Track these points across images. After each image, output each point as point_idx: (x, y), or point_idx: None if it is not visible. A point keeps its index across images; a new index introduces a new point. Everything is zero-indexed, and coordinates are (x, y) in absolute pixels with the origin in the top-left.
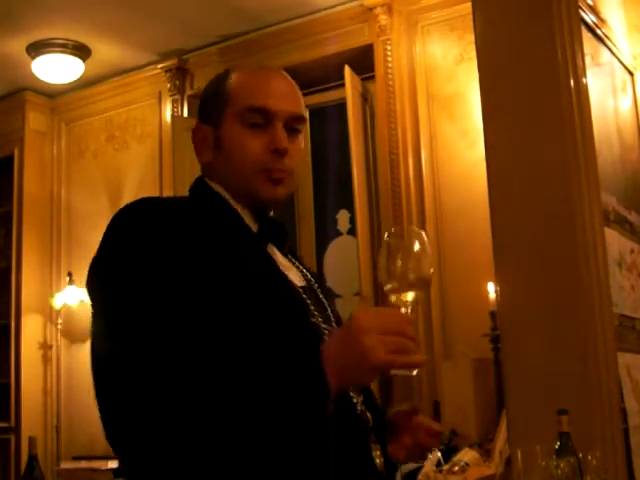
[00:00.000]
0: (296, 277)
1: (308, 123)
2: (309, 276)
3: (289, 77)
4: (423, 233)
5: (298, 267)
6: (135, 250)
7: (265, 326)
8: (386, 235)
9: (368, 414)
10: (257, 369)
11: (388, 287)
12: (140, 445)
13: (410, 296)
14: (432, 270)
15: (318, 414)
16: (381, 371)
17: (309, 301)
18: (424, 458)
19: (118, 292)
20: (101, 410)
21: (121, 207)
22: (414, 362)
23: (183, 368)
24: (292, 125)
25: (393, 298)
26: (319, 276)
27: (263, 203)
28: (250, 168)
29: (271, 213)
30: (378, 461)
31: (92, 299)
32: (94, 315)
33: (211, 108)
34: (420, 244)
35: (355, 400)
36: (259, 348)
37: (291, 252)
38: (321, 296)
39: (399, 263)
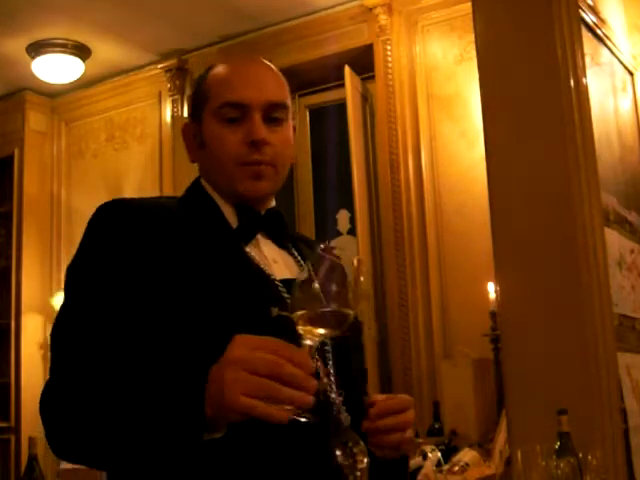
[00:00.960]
0: (284, 268)
1: (308, 123)
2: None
3: (267, 63)
4: (363, 265)
5: (296, 258)
6: (93, 252)
7: (199, 328)
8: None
9: (344, 415)
10: (150, 379)
11: (298, 314)
12: (45, 404)
13: (320, 331)
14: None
15: (179, 437)
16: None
17: (286, 295)
18: (400, 450)
19: (72, 288)
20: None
21: (100, 206)
22: (273, 417)
23: (97, 359)
24: (271, 114)
25: (300, 329)
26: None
27: (245, 199)
28: (229, 164)
29: (273, 203)
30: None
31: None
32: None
33: (195, 105)
34: (356, 277)
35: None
36: (167, 362)
37: (295, 243)
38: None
39: (319, 288)
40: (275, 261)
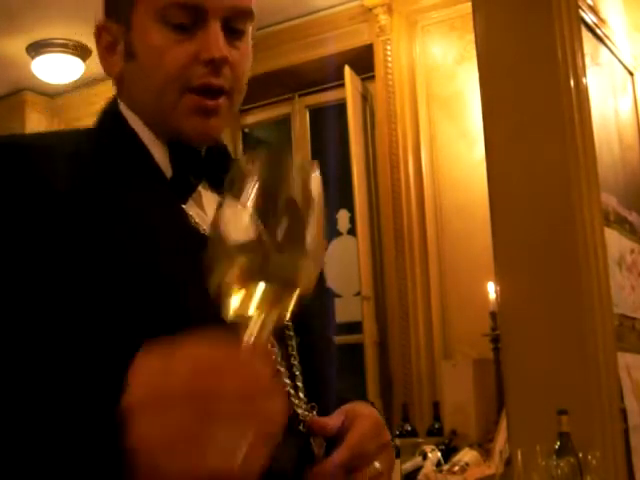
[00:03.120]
0: None
1: (308, 123)
2: None
3: None
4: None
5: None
6: None
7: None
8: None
9: (317, 441)
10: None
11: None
12: None
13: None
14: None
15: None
16: None
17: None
18: None
19: None
20: None
21: None
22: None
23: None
24: (234, 24)
25: (233, 311)
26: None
27: (188, 141)
28: (171, 85)
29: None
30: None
31: None
32: None
33: (120, 1)
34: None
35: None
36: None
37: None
38: None
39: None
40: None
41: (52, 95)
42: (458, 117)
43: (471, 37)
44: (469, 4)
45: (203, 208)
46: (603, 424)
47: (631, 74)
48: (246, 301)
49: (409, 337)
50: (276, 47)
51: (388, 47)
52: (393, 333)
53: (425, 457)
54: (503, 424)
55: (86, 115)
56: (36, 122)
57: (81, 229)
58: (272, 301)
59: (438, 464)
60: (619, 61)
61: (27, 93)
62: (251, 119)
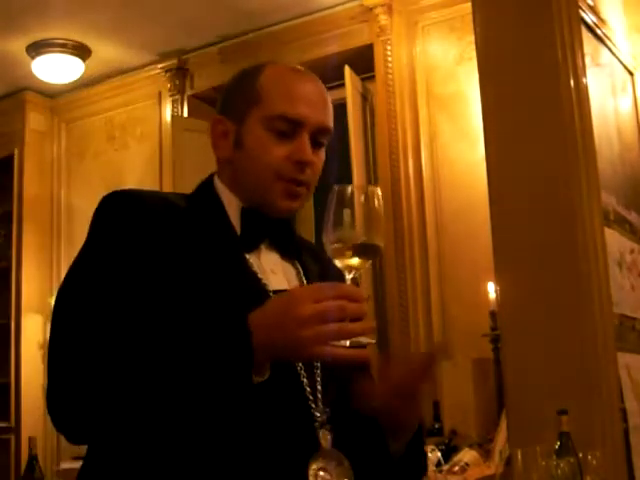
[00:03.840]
0: (282, 279)
1: None
2: (304, 280)
3: (321, 83)
4: (379, 192)
5: (297, 269)
6: (102, 241)
7: (199, 314)
8: (336, 187)
9: (326, 433)
10: (183, 337)
11: (334, 247)
12: (78, 391)
13: (356, 261)
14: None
15: (239, 376)
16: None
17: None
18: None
19: (81, 274)
20: (50, 374)
21: (105, 195)
22: (354, 356)
23: (119, 339)
24: (318, 138)
25: (337, 262)
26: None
27: (275, 213)
28: (270, 174)
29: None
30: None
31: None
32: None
33: (237, 103)
34: (377, 205)
35: (310, 396)
36: (188, 322)
37: (300, 255)
38: None
39: (350, 222)
40: (274, 272)
41: (52, 95)
42: (458, 117)
43: (471, 37)
44: (469, 4)
45: (260, 259)
46: (603, 424)
47: (631, 74)
48: (344, 262)
49: (409, 337)
50: (276, 47)
51: (388, 47)
52: (393, 333)
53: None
54: (503, 424)
55: (86, 115)
56: (36, 122)
57: (172, 262)
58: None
59: (438, 464)
60: (619, 61)
61: (27, 93)
62: None
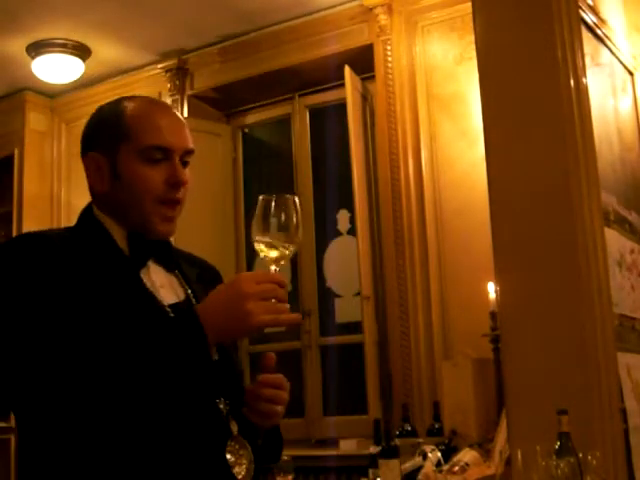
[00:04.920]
0: (170, 294)
1: (308, 123)
2: (189, 291)
3: (176, 111)
4: (297, 200)
5: (181, 282)
6: (12, 281)
7: (120, 326)
8: (261, 197)
9: (234, 422)
10: (128, 336)
11: (260, 241)
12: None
13: (276, 253)
14: (300, 235)
15: (200, 352)
16: (256, 330)
17: (172, 315)
18: (269, 416)
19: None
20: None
21: (2, 242)
22: (287, 321)
23: (60, 350)
24: (184, 158)
25: (262, 254)
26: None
27: (156, 237)
28: (149, 200)
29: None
30: (239, 470)
31: None
32: None
33: (105, 140)
34: (293, 209)
35: (222, 407)
36: (119, 328)
37: (180, 268)
38: None
39: (273, 222)
40: (162, 286)
41: (52, 95)
42: (458, 117)
43: (471, 37)
44: (469, 4)
45: (150, 276)
46: (603, 424)
47: (631, 74)
48: (268, 255)
49: (409, 337)
50: (276, 47)
51: (388, 47)
52: (393, 333)
53: (425, 457)
54: (503, 424)
55: (86, 115)
56: (36, 122)
57: (72, 285)
58: (278, 259)
59: (438, 464)
60: (619, 61)
61: (27, 93)
62: (251, 119)
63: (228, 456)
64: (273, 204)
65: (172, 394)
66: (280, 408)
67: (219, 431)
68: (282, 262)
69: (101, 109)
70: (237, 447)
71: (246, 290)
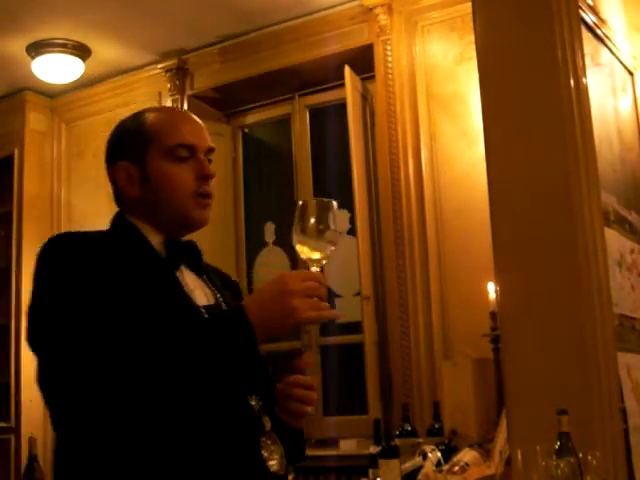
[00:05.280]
0: (202, 296)
1: (308, 123)
2: (218, 295)
3: (195, 116)
4: (335, 204)
5: (209, 286)
6: (58, 286)
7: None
8: (300, 202)
9: (266, 418)
10: (181, 331)
11: (301, 243)
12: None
13: (319, 255)
14: (338, 237)
15: (249, 348)
16: (298, 325)
17: (206, 316)
18: (299, 415)
19: (55, 315)
20: (52, 389)
21: (46, 241)
22: (330, 316)
23: (114, 346)
24: (208, 156)
25: (303, 255)
26: None
27: (194, 226)
28: (183, 194)
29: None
30: (273, 463)
31: (36, 332)
32: (40, 345)
33: (131, 147)
34: (331, 213)
35: (254, 404)
36: (177, 324)
37: (207, 271)
38: None
39: (312, 225)
40: (195, 289)
41: (52, 95)
42: (458, 117)
43: (471, 37)
44: (469, 4)
45: (184, 278)
46: (603, 424)
47: (631, 74)
48: (309, 256)
49: (409, 337)
50: (276, 47)
51: (388, 47)
52: (393, 333)
53: (425, 457)
54: (503, 424)
55: (86, 115)
56: (36, 122)
57: (117, 283)
58: (319, 260)
59: (438, 464)
60: (619, 61)
61: (27, 93)
62: (251, 119)
63: (262, 451)
64: (312, 208)
65: (219, 389)
66: (310, 409)
67: (253, 426)
68: (323, 262)
69: (123, 122)
70: (269, 442)
71: (292, 287)
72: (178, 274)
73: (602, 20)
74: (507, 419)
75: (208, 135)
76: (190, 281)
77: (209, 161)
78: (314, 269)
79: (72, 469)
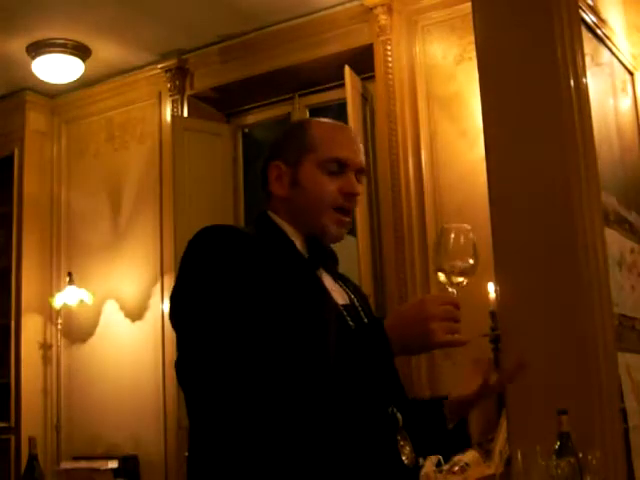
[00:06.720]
0: (340, 296)
1: None
2: (352, 297)
3: (355, 133)
4: (470, 229)
5: (344, 289)
6: (211, 275)
7: (316, 325)
8: (442, 227)
9: (399, 415)
10: (326, 344)
11: (444, 269)
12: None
13: (460, 279)
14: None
15: (387, 363)
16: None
17: (348, 317)
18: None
19: (203, 309)
20: (198, 399)
21: (197, 232)
22: (463, 342)
23: (262, 353)
24: (357, 176)
25: (443, 278)
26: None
27: (329, 240)
28: (326, 205)
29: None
30: (405, 457)
31: (183, 316)
32: (185, 329)
33: (291, 151)
34: (471, 239)
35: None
36: (320, 333)
37: (340, 277)
38: (362, 314)
39: (453, 250)
40: (332, 290)
41: (52, 95)
42: (458, 117)
43: (471, 37)
44: (469, 4)
45: (323, 279)
46: (603, 424)
47: (631, 74)
48: (449, 279)
49: None
50: (276, 47)
51: (388, 47)
52: None
53: (425, 457)
54: (503, 424)
55: (86, 115)
56: (36, 122)
57: (266, 279)
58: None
59: (438, 464)
60: (619, 61)
61: (27, 93)
62: (251, 119)
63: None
64: (453, 234)
65: (357, 394)
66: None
67: (390, 423)
68: (463, 285)
69: (291, 124)
70: (402, 438)
71: (432, 311)
72: (318, 274)
73: (602, 20)
74: (507, 419)
75: (363, 157)
76: (328, 282)
77: (359, 182)
78: (452, 291)
79: (207, 465)
